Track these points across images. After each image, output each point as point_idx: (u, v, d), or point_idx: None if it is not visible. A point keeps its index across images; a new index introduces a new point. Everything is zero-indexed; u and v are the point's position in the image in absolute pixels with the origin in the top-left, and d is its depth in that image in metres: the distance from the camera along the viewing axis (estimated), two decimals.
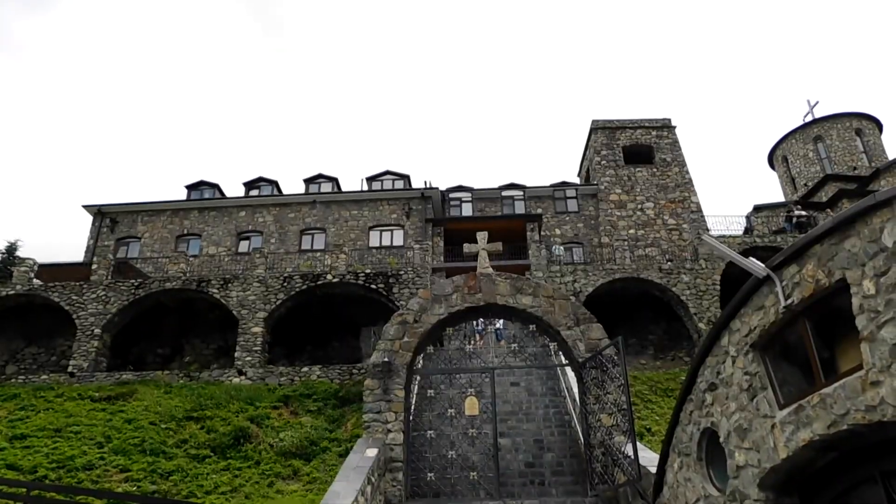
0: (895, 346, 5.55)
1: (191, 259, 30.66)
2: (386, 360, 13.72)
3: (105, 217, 34.88)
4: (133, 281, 25.06)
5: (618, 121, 38.30)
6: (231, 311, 23.89)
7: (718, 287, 25.74)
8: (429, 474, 13.35)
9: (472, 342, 20.01)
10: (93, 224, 34.88)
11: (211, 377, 21.97)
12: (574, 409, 15.54)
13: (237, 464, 15.40)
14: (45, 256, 38.90)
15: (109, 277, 25.99)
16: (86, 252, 33.63)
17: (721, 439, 8.49)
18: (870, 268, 5.87)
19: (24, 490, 13.43)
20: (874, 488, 6.51)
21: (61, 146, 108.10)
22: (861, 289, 5.98)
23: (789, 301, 6.96)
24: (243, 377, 21.90)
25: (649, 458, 11.24)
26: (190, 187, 38.15)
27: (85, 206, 35.15)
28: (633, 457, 11.19)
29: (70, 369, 22.99)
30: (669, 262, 26.74)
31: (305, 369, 22.20)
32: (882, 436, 6.29)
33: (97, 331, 23.80)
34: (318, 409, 18.86)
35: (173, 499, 13.18)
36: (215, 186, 38.11)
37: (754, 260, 7.32)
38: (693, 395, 9.29)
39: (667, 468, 10.12)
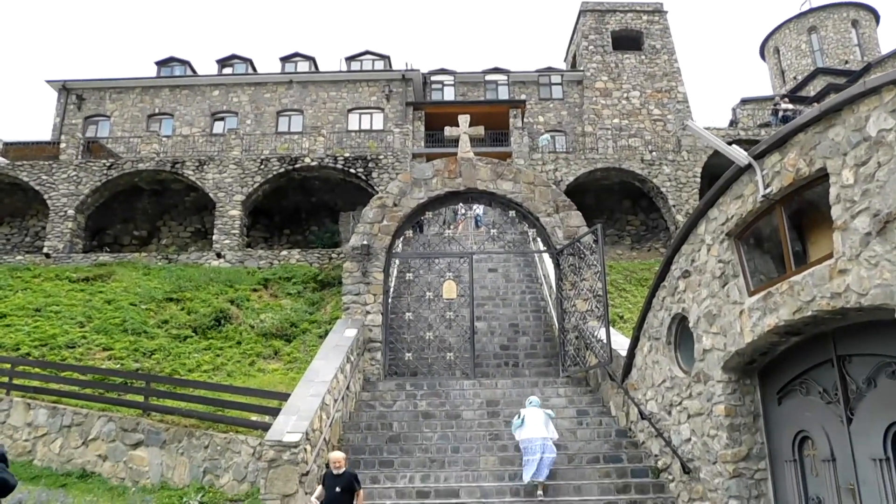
0: (866, 235, 5.61)
1: (164, 139, 29.85)
2: (365, 243, 13.75)
3: (71, 93, 33.46)
4: (105, 161, 24.43)
5: (608, 3, 36.80)
6: (207, 194, 23.58)
7: (699, 180, 25.81)
8: (407, 354, 13.77)
9: (452, 228, 20.11)
10: (58, 101, 33.50)
11: (189, 260, 22.00)
12: (550, 296, 15.91)
13: (218, 344, 15.71)
14: (7, 134, 37.63)
15: (80, 157, 25.29)
16: (53, 130, 32.50)
17: (690, 324, 8.76)
18: (851, 157, 5.82)
19: (9, 365, 13.68)
20: (829, 371, 6.81)
21: (20, 15, 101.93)
22: (840, 178, 5.96)
23: (768, 190, 6.95)
24: (222, 260, 21.96)
25: (620, 343, 11.65)
26: (160, 63, 36.47)
27: (48, 82, 33.59)
28: (605, 341, 11.57)
29: (45, 250, 22.84)
30: (652, 153, 26.59)
31: (284, 253, 22.27)
32: (842, 322, 6.50)
33: (70, 212, 23.46)
34: (297, 292, 19.08)
35: (157, 374, 13.53)
36: (186, 63, 36.49)
37: (737, 147, 7.24)
38: (666, 282, 9.48)
39: (636, 352, 10.51)
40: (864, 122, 5.66)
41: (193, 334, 16.11)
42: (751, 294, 7.46)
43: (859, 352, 6.46)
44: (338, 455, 7.88)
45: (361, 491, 7.84)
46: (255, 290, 19.04)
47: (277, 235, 25.96)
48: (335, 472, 7.77)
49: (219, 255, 22.15)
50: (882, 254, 5.44)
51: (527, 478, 9.21)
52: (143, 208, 25.97)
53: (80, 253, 23.20)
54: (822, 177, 6.28)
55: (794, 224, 7.17)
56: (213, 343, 15.77)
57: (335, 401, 10.40)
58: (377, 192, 16.36)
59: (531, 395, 10.60)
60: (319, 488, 7.93)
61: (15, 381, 13.30)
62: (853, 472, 6.42)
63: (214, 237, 22.78)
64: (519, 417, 9.81)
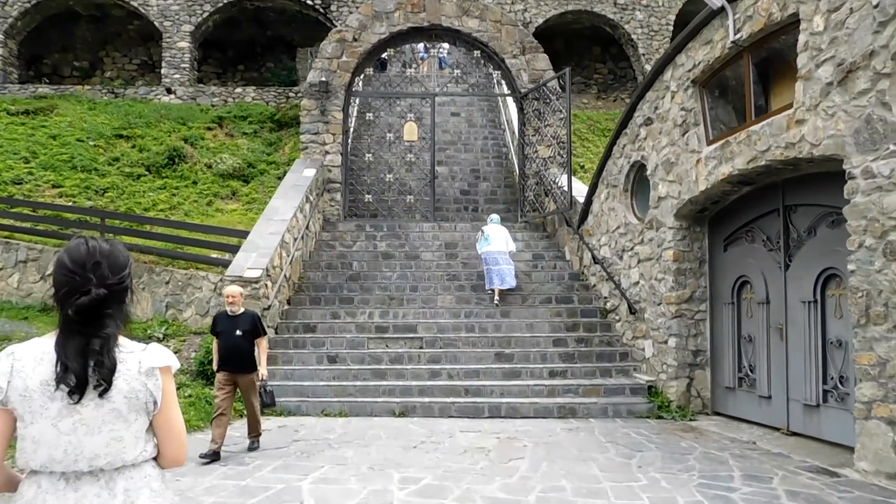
0: (828, 84, 5.59)
1: None
2: (323, 79, 13.20)
3: None
4: None
5: None
6: (153, 23, 21.95)
7: (672, 28, 24.92)
8: (367, 196, 13.77)
9: (415, 67, 19.36)
10: None
11: (137, 94, 20.87)
12: (512, 142, 15.79)
13: (174, 183, 15.37)
14: None
15: None
16: None
17: (648, 172, 8.88)
18: (825, 2, 5.65)
19: None
20: (775, 221, 7.08)
21: None
22: (811, 25, 5.82)
23: (738, 36, 6.78)
24: (172, 96, 20.92)
25: (579, 190, 11.80)
26: None
27: None
28: (566, 188, 11.71)
29: None
30: None
31: (239, 90, 21.28)
32: (793, 173, 6.66)
33: None
34: (254, 131, 18.49)
35: (114, 212, 13.32)
36: None
37: None
38: (628, 130, 9.46)
39: (594, 199, 10.69)
40: None
41: (147, 173, 15.70)
42: (709, 143, 7.52)
43: (804, 202, 6.70)
44: (234, 289, 6.46)
45: (265, 339, 6.53)
46: (209, 129, 18.38)
47: (231, 71, 24.65)
48: (231, 311, 6.35)
49: (169, 91, 21.07)
50: (840, 104, 5.46)
51: (489, 286, 10.31)
52: (83, 36, 24.13)
53: (17, 84, 21.78)
54: (792, 23, 6.13)
55: (759, 76, 7.10)
56: (169, 182, 15.43)
57: (295, 239, 10.49)
58: (336, 27, 15.45)
59: (492, 214, 11.44)
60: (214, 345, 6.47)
61: None
62: (784, 314, 6.89)
63: (163, 71, 21.52)
64: (482, 233, 10.65)
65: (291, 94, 20.83)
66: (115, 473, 1.68)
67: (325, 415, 7.94)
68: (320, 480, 5.25)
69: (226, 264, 9.92)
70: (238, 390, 6.38)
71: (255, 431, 6.47)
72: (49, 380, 1.61)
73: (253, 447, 6.35)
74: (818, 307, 6.42)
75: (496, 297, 10.22)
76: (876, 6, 5.09)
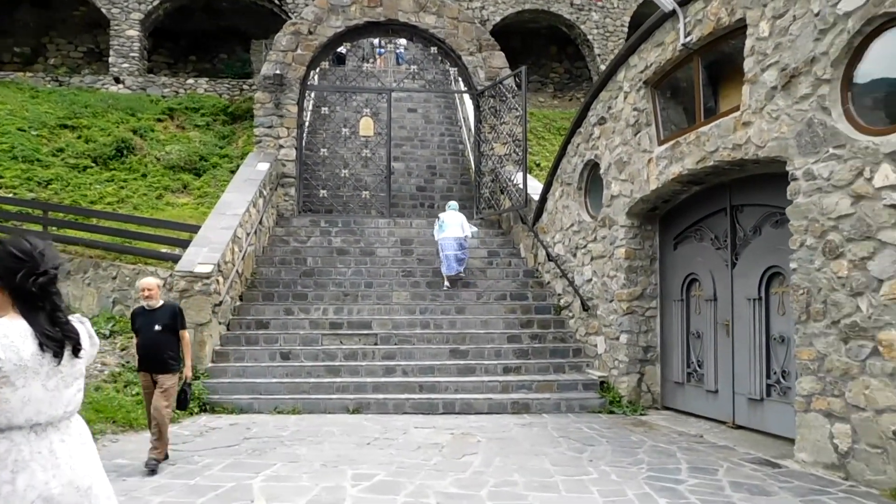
0: (773, 88, 5.77)
1: None
2: (277, 72, 13.00)
3: None
4: None
5: None
6: (100, 9, 21.26)
7: (626, 29, 25.36)
8: (321, 191, 13.62)
9: (372, 62, 19.23)
10: None
11: (83, 83, 20.17)
12: (468, 139, 15.84)
13: (122, 175, 14.93)
14: None
15: None
16: None
17: (601, 171, 9.02)
18: (770, 9, 5.83)
19: None
20: (722, 220, 7.28)
21: None
22: (757, 30, 6.00)
23: (688, 39, 6.94)
24: (121, 86, 20.30)
25: (534, 188, 11.91)
26: None
27: None
28: (521, 185, 11.80)
29: None
30: None
31: (191, 82, 20.79)
32: (740, 174, 6.86)
33: None
34: (206, 124, 18.09)
35: (58, 204, 12.87)
36: None
37: None
38: (582, 129, 9.59)
39: (548, 197, 10.81)
40: None
41: (94, 164, 15.20)
42: (660, 143, 7.68)
43: (750, 202, 6.91)
44: (149, 281, 5.88)
45: (187, 333, 5.92)
46: (159, 121, 17.91)
47: (183, 62, 24.05)
48: (148, 305, 5.77)
49: (117, 80, 20.45)
50: (783, 108, 5.64)
51: (444, 271, 10.62)
52: (24, 21, 23.18)
53: None
54: (740, 28, 6.30)
55: (709, 78, 7.28)
56: (117, 175, 14.98)
57: (248, 234, 10.31)
58: (292, 19, 15.23)
59: (451, 201, 11.70)
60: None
61: None
62: (730, 311, 7.10)
63: (111, 60, 20.85)
64: (439, 220, 10.94)
65: (245, 87, 20.46)
66: (69, 420, 2.07)
67: (278, 412, 7.84)
68: (272, 478, 5.18)
69: (176, 259, 9.69)
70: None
71: (159, 447, 5.45)
72: (36, 350, 1.96)
73: (151, 468, 5.25)
74: (763, 304, 6.63)
75: (445, 283, 10.62)
76: (817, 14, 5.28)
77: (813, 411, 5.33)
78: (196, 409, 7.66)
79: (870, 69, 5.05)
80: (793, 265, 5.59)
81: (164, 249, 10.98)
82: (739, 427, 6.93)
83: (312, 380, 8.43)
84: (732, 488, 4.90)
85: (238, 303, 9.88)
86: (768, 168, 6.21)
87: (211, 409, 7.83)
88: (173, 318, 5.74)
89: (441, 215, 11.03)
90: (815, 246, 5.33)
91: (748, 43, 6.12)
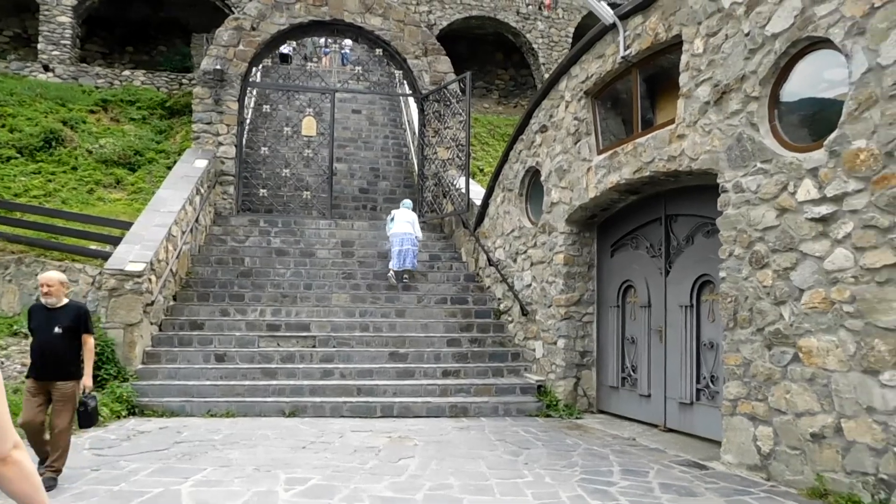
0: (706, 103, 5.99)
1: None
2: (218, 67, 12.70)
3: None
4: None
5: None
6: None
7: (571, 40, 25.89)
8: (261, 190, 13.37)
9: (316, 61, 19.00)
10: None
11: (9, 70, 19.21)
12: (413, 142, 15.83)
13: (50, 168, 14.28)
14: None
15: None
16: None
17: (542, 178, 9.16)
18: (704, 27, 6.04)
19: None
20: (657, 229, 7.50)
21: None
22: (692, 47, 6.21)
23: (628, 52, 7.13)
24: (51, 74, 19.44)
25: (477, 193, 12.00)
26: None
27: None
28: (464, 190, 11.86)
29: None
30: (528, 7, 26.11)
31: (127, 73, 20.08)
32: (675, 185, 7.08)
33: None
34: (142, 117, 17.50)
35: None
36: None
37: (605, 5, 7.25)
38: (524, 136, 9.72)
39: (490, 202, 10.91)
40: None
41: (19, 155, 14.49)
42: (600, 152, 7.86)
43: (684, 212, 7.13)
44: (50, 276, 5.11)
45: (91, 339, 5.22)
46: (92, 112, 17.22)
47: (119, 52, 23.21)
48: (48, 302, 5.07)
49: (46, 68, 19.57)
50: (715, 122, 5.86)
51: (392, 267, 10.74)
52: None
53: None
54: (676, 44, 6.51)
55: (647, 91, 7.49)
56: (44, 167, 14.32)
57: (183, 232, 10.02)
58: (235, 13, 14.91)
59: (405, 199, 11.95)
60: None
61: None
62: (664, 317, 7.31)
63: (40, 46, 19.94)
64: (390, 216, 11.16)
65: (185, 81, 19.91)
66: None
67: (212, 415, 7.64)
68: (202, 483, 5.04)
69: (106, 256, 9.32)
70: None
71: (56, 463, 4.87)
72: None
73: (49, 486, 4.66)
74: (694, 311, 6.86)
75: (392, 278, 10.73)
76: (747, 35, 5.51)
77: (738, 415, 5.54)
78: (124, 413, 7.40)
79: (795, 88, 5.30)
80: (722, 274, 5.81)
81: (93, 246, 10.56)
82: (671, 430, 7.14)
83: (248, 382, 8.25)
84: (662, 490, 5.04)
85: (172, 303, 9.59)
86: (701, 180, 6.42)
87: (140, 412, 7.57)
88: (76, 321, 5.08)
89: (394, 211, 11.21)
90: (742, 256, 5.54)
91: (683, 58, 6.33)
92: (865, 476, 4.45)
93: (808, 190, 4.93)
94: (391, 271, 10.76)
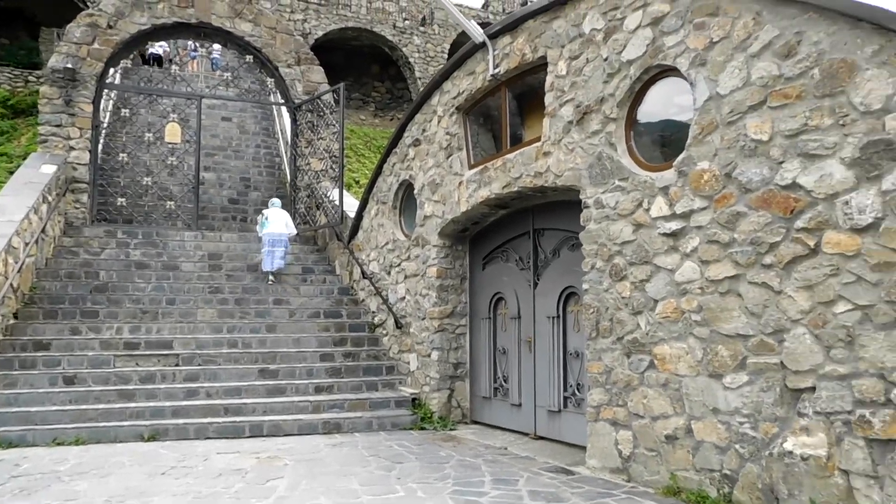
0: (569, 123, 6.28)
1: None
2: (69, 66, 11.74)
3: None
4: None
5: None
6: None
7: (446, 56, 26.43)
8: (120, 199, 12.49)
9: (180, 65, 18.08)
10: None
11: None
12: (286, 152, 15.45)
13: None
14: None
15: None
16: None
17: (416, 191, 9.21)
18: (567, 50, 6.35)
19: None
20: (526, 243, 7.75)
21: None
22: (556, 68, 6.50)
23: (497, 70, 7.35)
24: None
25: (351, 205, 11.88)
26: None
27: None
28: (337, 202, 11.70)
29: None
30: (405, 21, 26.39)
31: None
32: (542, 200, 7.36)
33: None
34: None
35: None
36: None
37: (475, 24, 7.45)
38: (398, 149, 9.74)
39: (364, 214, 10.83)
40: (581, 19, 6.17)
41: None
42: (471, 167, 8.02)
43: (551, 226, 7.42)
44: None
45: None
46: None
47: None
48: None
49: None
50: (578, 141, 6.16)
51: (265, 268, 10.98)
52: None
53: None
54: (542, 64, 6.79)
55: (517, 107, 7.75)
56: None
57: (27, 244, 9.13)
58: (89, 9, 13.90)
59: (274, 198, 12.04)
60: None
61: None
62: (532, 328, 7.54)
63: None
64: (263, 216, 11.27)
65: (32, 79, 18.32)
66: None
67: (58, 444, 6.97)
68: None
69: None
70: None
71: None
72: None
73: None
74: (560, 322, 7.13)
75: (270, 278, 10.99)
76: (606, 59, 5.84)
77: (601, 420, 5.81)
78: None
79: (649, 111, 5.67)
80: (585, 286, 6.08)
81: None
82: (541, 438, 7.37)
83: (101, 406, 7.61)
84: (531, 497, 5.18)
85: (12, 321, 8.70)
86: (566, 195, 6.71)
87: None
88: None
89: (265, 211, 11.25)
90: (603, 269, 5.84)
91: (548, 79, 6.61)
92: (712, 472, 4.80)
93: (660, 207, 5.28)
94: (269, 274, 11.00)
